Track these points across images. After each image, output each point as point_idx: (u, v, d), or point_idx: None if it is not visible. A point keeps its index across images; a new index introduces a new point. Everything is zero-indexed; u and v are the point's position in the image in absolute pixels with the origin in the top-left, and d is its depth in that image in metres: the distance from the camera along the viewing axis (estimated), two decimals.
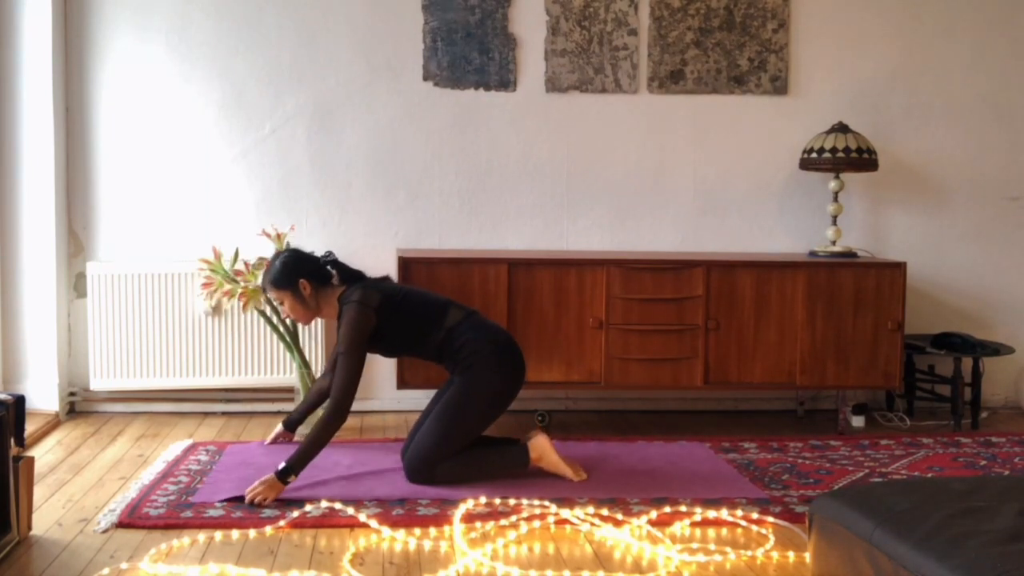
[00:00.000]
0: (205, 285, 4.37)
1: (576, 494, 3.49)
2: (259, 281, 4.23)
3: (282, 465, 3.41)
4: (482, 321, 3.75)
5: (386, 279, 3.83)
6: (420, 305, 3.71)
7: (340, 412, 3.50)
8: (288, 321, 4.39)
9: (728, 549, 3.01)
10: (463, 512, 3.26)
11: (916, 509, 2.41)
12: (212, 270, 4.34)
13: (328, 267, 3.76)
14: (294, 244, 4.47)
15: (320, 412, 3.72)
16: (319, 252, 3.78)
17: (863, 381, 4.49)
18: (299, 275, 3.68)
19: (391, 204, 4.78)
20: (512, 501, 3.38)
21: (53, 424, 4.41)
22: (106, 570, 2.80)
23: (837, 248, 4.66)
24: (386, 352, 3.89)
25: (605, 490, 3.55)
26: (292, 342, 4.38)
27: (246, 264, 4.37)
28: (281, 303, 3.76)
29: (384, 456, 3.93)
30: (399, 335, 3.68)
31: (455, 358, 3.65)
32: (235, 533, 3.10)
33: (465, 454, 3.64)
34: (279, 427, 4.12)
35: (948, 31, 4.97)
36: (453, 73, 4.75)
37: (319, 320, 4.62)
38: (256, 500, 3.33)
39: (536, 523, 3.21)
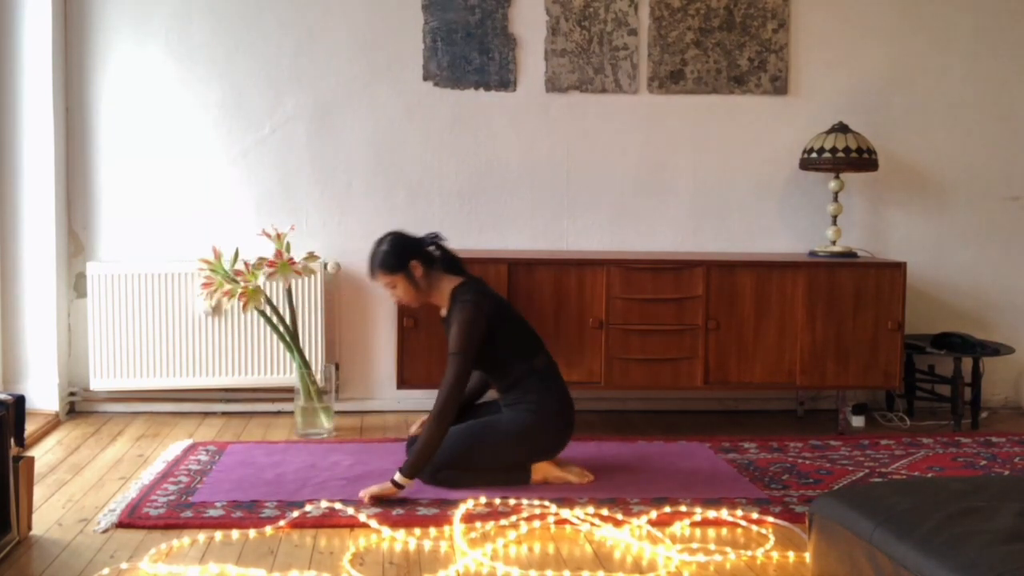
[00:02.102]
0: (205, 285, 4.37)
1: (576, 494, 3.49)
2: (266, 290, 4.22)
3: (397, 474, 3.40)
4: (558, 375, 3.70)
5: (485, 284, 3.72)
6: (518, 331, 3.66)
7: (445, 414, 3.43)
8: (288, 321, 4.39)
9: (728, 549, 3.01)
10: (463, 512, 3.26)
11: (916, 509, 2.41)
12: (212, 270, 4.34)
13: (433, 248, 3.69)
14: (295, 244, 4.49)
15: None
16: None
17: (863, 381, 4.49)
18: (409, 256, 3.60)
19: (391, 204, 4.78)
20: (512, 501, 3.38)
21: (53, 424, 4.41)
22: (106, 570, 2.80)
23: (837, 248, 4.66)
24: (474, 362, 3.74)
25: (605, 490, 3.55)
26: (292, 342, 4.38)
27: (246, 264, 4.36)
28: (393, 287, 3.63)
29: (384, 456, 3.93)
30: (491, 350, 3.59)
31: (521, 397, 3.61)
32: (235, 533, 3.10)
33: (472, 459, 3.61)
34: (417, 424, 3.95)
35: (948, 31, 4.97)
36: (453, 73, 4.75)
37: (320, 320, 4.63)
38: (367, 500, 3.36)
39: (536, 523, 3.21)
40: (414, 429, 3.88)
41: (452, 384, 3.45)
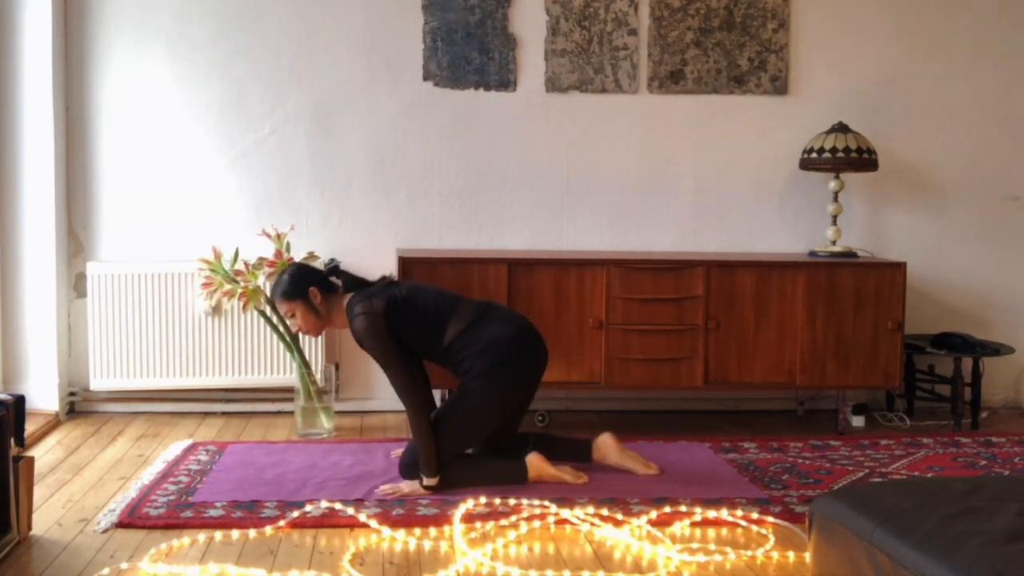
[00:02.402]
0: (205, 285, 4.37)
1: (576, 494, 3.49)
2: (266, 291, 4.23)
3: (424, 479, 3.49)
4: (480, 332, 3.62)
5: (389, 283, 3.72)
6: (421, 316, 3.62)
7: (415, 412, 3.51)
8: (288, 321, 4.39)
9: (728, 549, 3.01)
10: (463, 512, 3.26)
11: (916, 509, 2.41)
12: (212, 270, 4.34)
13: (333, 277, 3.74)
14: (295, 244, 4.49)
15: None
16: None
17: (863, 381, 4.49)
18: (308, 284, 3.66)
19: (391, 204, 4.78)
20: (512, 501, 3.38)
21: (53, 424, 4.41)
22: (106, 570, 2.80)
23: (837, 248, 4.66)
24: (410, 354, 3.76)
25: (605, 490, 3.55)
26: (292, 342, 4.38)
27: (246, 264, 4.37)
28: (292, 316, 3.70)
29: (384, 456, 3.93)
30: (409, 341, 3.62)
31: (468, 358, 3.61)
32: (235, 533, 3.10)
33: (465, 460, 3.64)
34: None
35: (948, 31, 4.97)
36: (453, 73, 4.75)
37: None
38: (390, 497, 3.45)
39: (536, 523, 3.21)
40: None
41: (400, 389, 3.54)
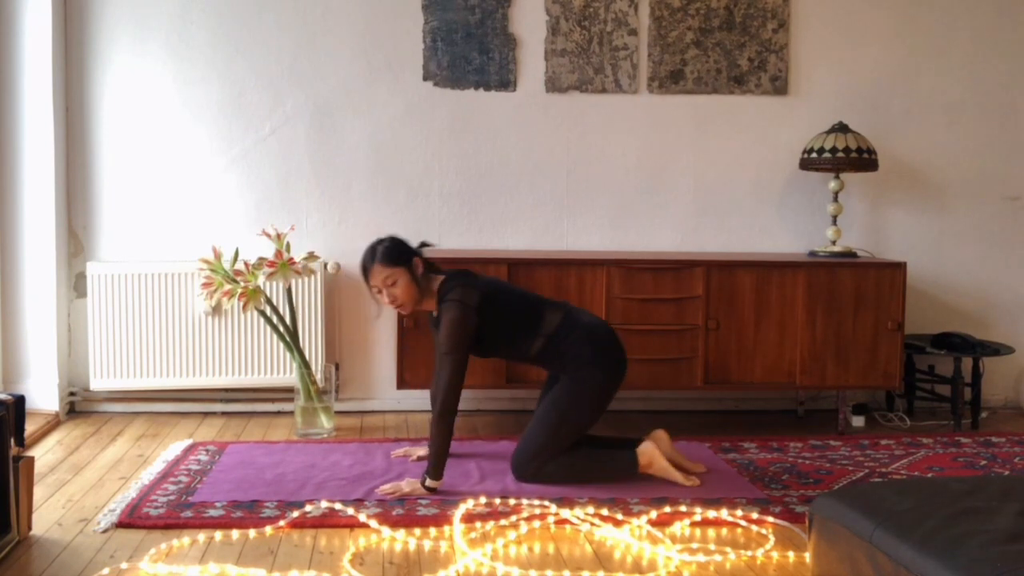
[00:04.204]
0: (205, 285, 4.36)
1: (576, 494, 3.49)
2: (266, 291, 4.23)
3: (427, 480, 3.47)
4: (577, 319, 3.67)
5: (471, 274, 3.67)
6: (516, 309, 3.65)
7: (447, 411, 3.49)
8: (288, 321, 4.39)
9: (728, 549, 3.01)
10: (463, 512, 3.26)
11: (916, 509, 2.41)
12: (212, 270, 4.34)
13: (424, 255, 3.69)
14: (295, 244, 4.49)
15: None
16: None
17: (863, 381, 4.49)
18: (412, 253, 3.60)
19: (391, 204, 4.78)
20: (512, 501, 3.38)
21: (53, 424, 4.41)
22: (106, 570, 2.80)
23: (837, 248, 4.66)
24: (482, 353, 3.75)
25: (605, 490, 3.54)
26: (292, 342, 4.38)
27: (246, 264, 4.36)
28: (392, 284, 3.54)
29: (384, 456, 3.94)
30: (496, 338, 3.63)
31: (558, 363, 3.64)
32: (235, 533, 3.10)
33: (575, 455, 3.63)
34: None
35: (948, 31, 4.97)
36: (453, 73, 4.75)
37: (320, 320, 4.62)
38: (390, 497, 3.44)
39: (536, 523, 3.21)
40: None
41: (450, 383, 3.50)
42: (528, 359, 3.72)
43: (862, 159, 4.55)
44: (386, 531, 3.11)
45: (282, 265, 4.30)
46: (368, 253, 3.61)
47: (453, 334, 3.51)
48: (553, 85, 4.80)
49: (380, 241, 3.64)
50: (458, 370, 3.51)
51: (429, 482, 3.48)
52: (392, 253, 3.56)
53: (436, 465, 3.48)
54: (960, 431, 4.57)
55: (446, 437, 3.49)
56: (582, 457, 3.64)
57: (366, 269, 3.60)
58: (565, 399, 3.63)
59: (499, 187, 4.81)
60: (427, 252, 3.71)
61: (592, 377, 3.62)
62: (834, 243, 4.69)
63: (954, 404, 4.62)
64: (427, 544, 3.04)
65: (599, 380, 3.63)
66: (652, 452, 3.65)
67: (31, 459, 3.11)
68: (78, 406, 4.69)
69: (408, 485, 3.50)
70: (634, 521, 3.20)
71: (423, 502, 3.40)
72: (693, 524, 3.24)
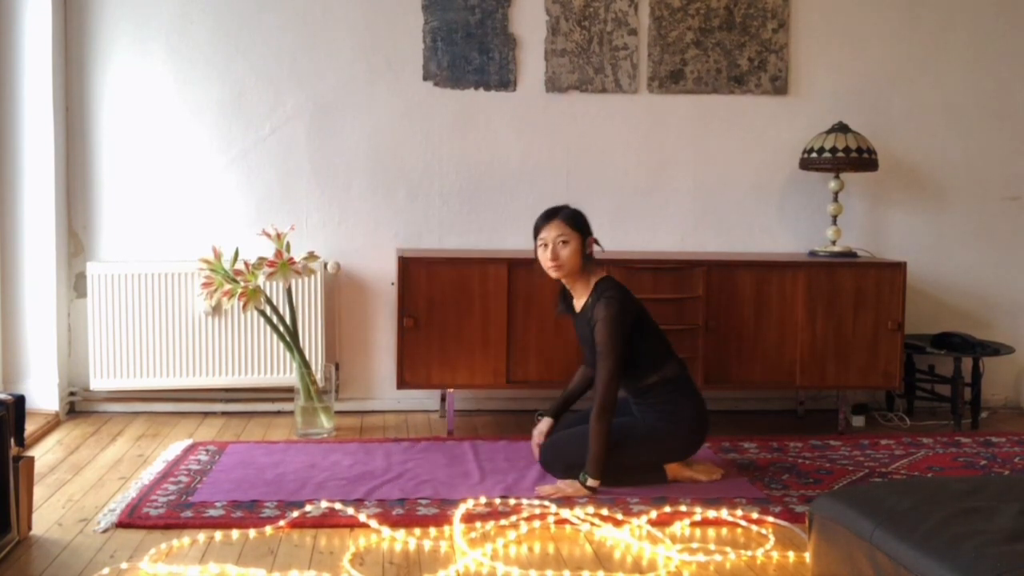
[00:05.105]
0: (205, 285, 4.36)
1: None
2: (266, 291, 4.23)
3: (587, 479, 3.48)
4: (689, 382, 3.73)
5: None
6: (654, 338, 3.68)
7: (606, 410, 3.50)
8: (288, 321, 4.39)
9: (728, 549, 3.01)
10: (463, 512, 3.26)
11: (916, 509, 2.41)
12: (212, 270, 4.34)
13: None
14: (295, 244, 4.49)
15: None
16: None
17: (863, 381, 4.49)
18: (590, 231, 3.70)
19: (391, 204, 4.78)
20: (512, 501, 3.38)
21: (53, 424, 4.41)
22: (106, 570, 2.80)
23: (837, 248, 4.66)
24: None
25: (605, 490, 3.54)
26: (292, 342, 4.38)
27: (246, 264, 4.36)
28: (565, 243, 3.62)
29: (384, 456, 3.93)
30: (629, 352, 3.62)
31: (656, 404, 3.65)
32: (235, 533, 3.10)
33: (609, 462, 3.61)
34: (544, 421, 3.91)
35: (948, 31, 4.97)
36: (453, 73, 4.75)
37: (320, 320, 4.62)
38: (551, 497, 3.43)
39: (536, 523, 3.21)
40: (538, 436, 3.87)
41: (608, 381, 3.51)
42: (631, 386, 3.68)
43: (862, 159, 4.55)
44: (386, 531, 3.11)
45: (282, 265, 4.29)
46: (552, 209, 3.74)
47: (614, 332, 3.53)
48: (553, 85, 4.80)
49: (567, 205, 3.75)
50: (616, 368, 3.52)
51: (590, 482, 3.47)
52: (578, 218, 3.68)
53: (598, 465, 3.47)
54: (960, 431, 4.57)
55: (606, 435, 3.49)
56: (615, 466, 3.60)
57: (548, 218, 3.69)
58: (641, 429, 3.64)
59: (499, 187, 4.81)
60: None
61: (673, 431, 3.63)
62: (834, 243, 4.69)
63: (954, 404, 4.62)
64: (427, 544, 3.04)
65: (676, 445, 3.66)
66: (675, 468, 3.69)
67: (31, 459, 3.11)
68: (78, 406, 4.69)
69: (570, 486, 3.49)
70: (634, 521, 3.20)
71: (423, 502, 3.40)
72: (693, 524, 3.24)
